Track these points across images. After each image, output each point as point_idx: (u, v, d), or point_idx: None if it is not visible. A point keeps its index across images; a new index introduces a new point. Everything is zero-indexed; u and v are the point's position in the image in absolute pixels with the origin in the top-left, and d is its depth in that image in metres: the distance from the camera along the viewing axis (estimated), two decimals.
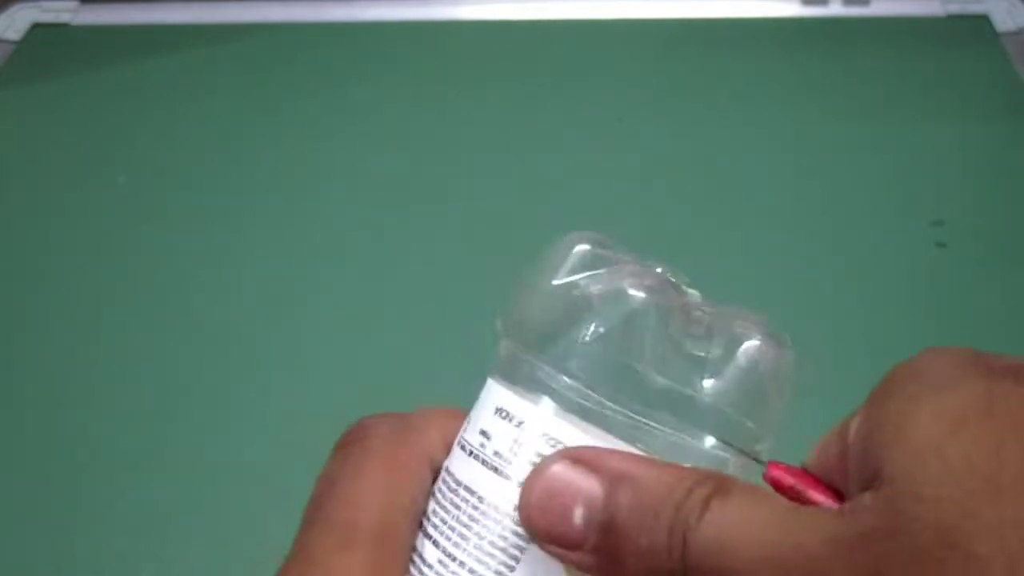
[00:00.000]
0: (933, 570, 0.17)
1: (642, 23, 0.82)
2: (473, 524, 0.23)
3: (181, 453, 0.53)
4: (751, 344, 0.24)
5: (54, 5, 0.87)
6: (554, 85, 0.77)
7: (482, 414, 0.24)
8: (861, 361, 0.56)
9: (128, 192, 0.69)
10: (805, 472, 0.23)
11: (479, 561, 0.23)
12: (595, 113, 0.74)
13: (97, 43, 0.84)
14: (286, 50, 0.82)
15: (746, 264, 0.62)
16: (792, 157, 0.69)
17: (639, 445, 0.23)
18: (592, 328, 0.24)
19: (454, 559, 0.23)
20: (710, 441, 0.23)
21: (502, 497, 0.23)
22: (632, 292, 0.24)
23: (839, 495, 0.22)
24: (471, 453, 0.24)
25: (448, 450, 0.25)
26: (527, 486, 0.22)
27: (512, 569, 0.23)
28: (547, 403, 0.23)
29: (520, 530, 0.23)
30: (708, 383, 0.24)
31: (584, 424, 0.23)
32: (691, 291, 0.26)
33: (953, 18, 0.81)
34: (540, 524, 0.22)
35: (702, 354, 0.24)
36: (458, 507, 0.24)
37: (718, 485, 0.20)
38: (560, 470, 0.22)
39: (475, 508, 0.23)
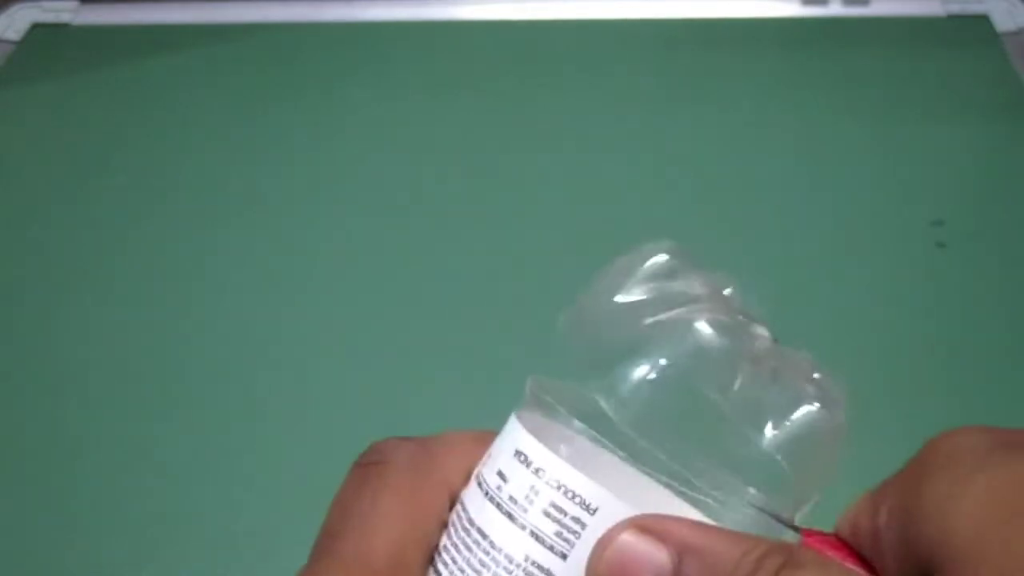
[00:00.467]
0: None
1: (642, 23, 0.82)
2: (483, 570, 0.22)
3: (182, 454, 0.53)
4: (814, 407, 0.23)
5: (54, 5, 0.87)
6: (554, 85, 0.77)
7: (502, 453, 0.24)
8: (861, 361, 0.56)
9: (128, 192, 0.69)
10: (842, 542, 0.23)
11: None
12: (595, 113, 0.74)
13: (97, 43, 0.84)
14: (286, 50, 0.82)
15: (746, 264, 0.61)
16: (792, 157, 0.69)
17: (670, 495, 0.22)
18: (652, 361, 0.22)
19: None
20: (747, 502, 0.23)
21: (515, 547, 0.22)
22: (708, 330, 0.23)
23: (874, 568, 0.22)
24: (487, 493, 0.23)
25: (468, 478, 0.25)
26: (595, 556, 0.22)
27: None
28: (566, 451, 0.23)
29: None
30: (764, 436, 0.23)
31: (607, 469, 0.22)
32: (760, 329, 0.25)
33: (953, 18, 0.81)
34: None
35: (763, 407, 0.23)
36: (470, 549, 0.23)
37: (789, 557, 0.20)
38: (628, 540, 0.21)
39: (486, 553, 0.23)
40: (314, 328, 0.59)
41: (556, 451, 0.23)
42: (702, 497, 0.22)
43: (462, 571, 0.23)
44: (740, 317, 0.24)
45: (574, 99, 0.75)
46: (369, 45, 0.82)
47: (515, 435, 0.24)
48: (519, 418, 0.24)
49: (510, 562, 0.22)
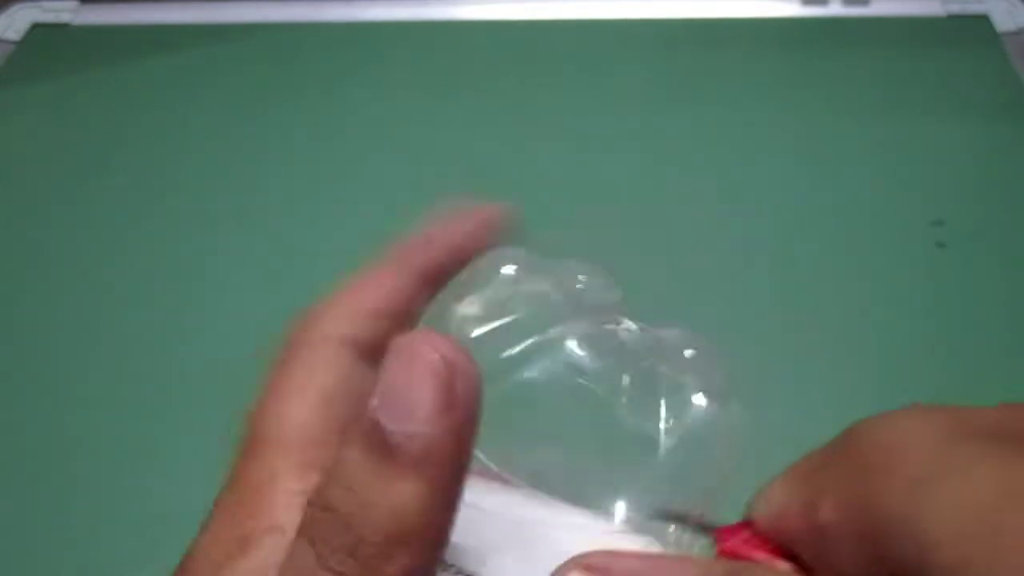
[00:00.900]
0: None
1: (642, 23, 0.82)
2: None
3: (182, 453, 0.53)
4: (701, 401, 0.23)
5: (54, 5, 0.87)
6: (554, 85, 0.77)
7: None
8: (861, 361, 0.56)
9: (128, 192, 0.69)
10: (761, 537, 0.22)
11: None
12: (595, 113, 0.74)
13: (97, 43, 0.84)
14: (286, 50, 0.82)
15: (745, 264, 0.62)
16: (792, 157, 0.69)
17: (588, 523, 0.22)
18: (512, 385, 0.22)
19: None
20: (654, 512, 0.22)
21: None
22: (577, 353, 0.22)
23: (797, 561, 0.21)
24: None
25: (362, 319, 0.25)
26: None
27: None
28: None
29: None
30: (659, 443, 0.22)
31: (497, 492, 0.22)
32: (624, 322, 0.24)
33: (953, 18, 0.81)
34: None
35: (650, 414, 0.22)
36: None
37: None
38: None
39: None
40: None
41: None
42: (615, 523, 0.22)
43: None
44: (601, 321, 0.23)
45: (574, 99, 0.75)
46: (369, 45, 0.82)
47: None
48: None
49: None
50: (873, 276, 0.60)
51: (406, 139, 0.72)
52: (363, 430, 0.20)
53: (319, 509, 0.20)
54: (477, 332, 0.24)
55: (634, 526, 0.22)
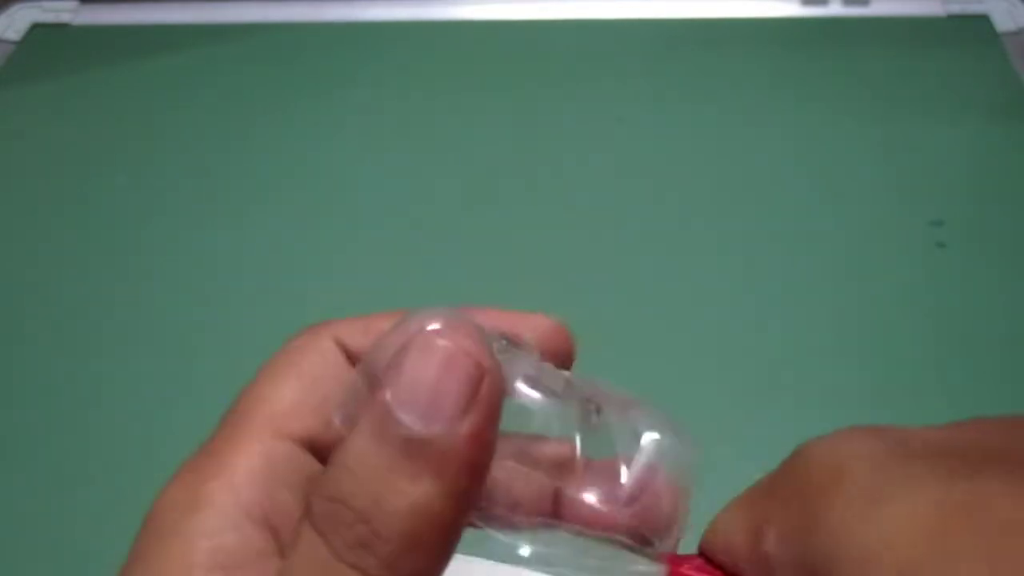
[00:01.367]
0: None
1: (642, 23, 0.82)
2: None
3: (182, 454, 0.53)
4: (655, 440, 0.22)
5: (54, 5, 0.87)
6: (554, 85, 0.77)
7: None
8: (861, 361, 0.56)
9: (128, 192, 0.69)
10: (713, 568, 0.22)
11: None
12: (595, 113, 0.74)
13: (97, 43, 0.84)
14: (286, 50, 0.82)
15: (745, 264, 0.62)
16: (792, 157, 0.69)
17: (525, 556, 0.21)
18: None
19: None
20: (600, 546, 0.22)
21: None
22: (521, 390, 0.22)
23: None
24: None
25: (364, 334, 0.25)
26: None
27: None
28: None
29: None
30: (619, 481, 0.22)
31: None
32: (561, 374, 0.23)
33: (953, 18, 0.81)
34: None
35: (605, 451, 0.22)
36: None
37: None
38: None
39: None
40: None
41: None
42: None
43: None
44: (539, 378, 0.22)
45: (574, 99, 0.75)
46: (369, 45, 0.82)
47: None
48: None
49: None
50: (873, 276, 0.60)
51: (406, 139, 0.73)
52: (375, 420, 0.19)
53: (327, 499, 0.19)
54: None
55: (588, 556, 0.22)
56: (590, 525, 0.22)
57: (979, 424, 0.20)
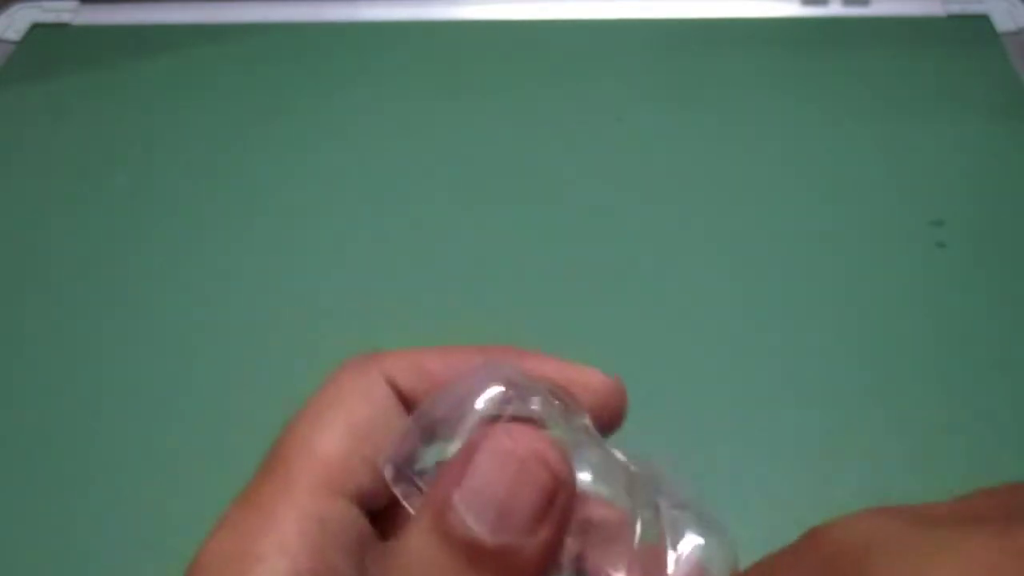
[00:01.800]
0: None
1: (642, 23, 0.82)
2: None
3: (183, 453, 0.53)
4: (698, 546, 0.22)
5: (54, 5, 0.87)
6: (554, 85, 0.77)
7: None
8: (861, 361, 0.56)
9: (128, 192, 0.69)
10: None
11: None
12: (595, 113, 0.74)
13: (97, 43, 0.84)
14: (286, 50, 0.82)
15: (745, 264, 0.62)
16: (792, 157, 0.69)
17: None
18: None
19: None
20: None
21: None
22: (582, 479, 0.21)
23: None
24: None
25: (415, 373, 0.24)
26: None
27: None
28: None
29: None
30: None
31: None
32: (618, 453, 0.23)
33: (953, 18, 0.81)
34: None
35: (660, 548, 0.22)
36: None
37: None
38: None
39: None
40: (316, 330, 0.59)
41: None
42: None
43: None
44: (603, 469, 0.22)
45: (574, 99, 0.75)
46: (369, 45, 0.82)
47: None
48: None
49: None
50: (873, 276, 0.60)
51: (406, 138, 0.73)
52: (441, 519, 0.18)
53: None
54: None
55: None
56: None
57: (984, 492, 0.20)
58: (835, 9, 0.82)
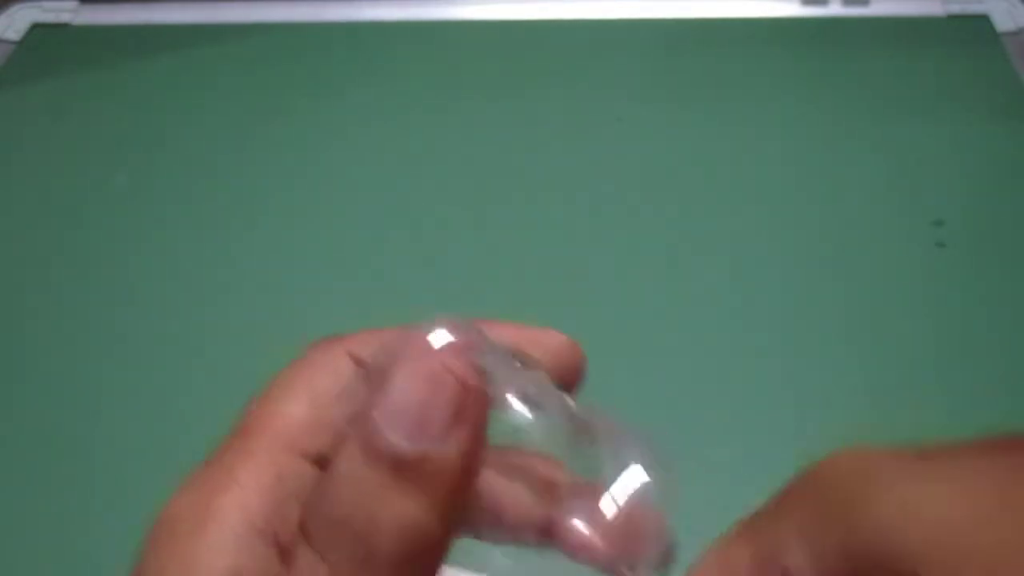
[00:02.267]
0: None
1: (642, 23, 0.82)
2: None
3: (183, 453, 0.53)
4: (641, 469, 0.22)
5: (54, 5, 0.87)
6: (554, 85, 0.77)
7: None
8: (861, 361, 0.56)
9: (128, 192, 0.69)
10: None
11: None
12: (595, 113, 0.74)
13: (97, 43, 0.84)
14: (286, 50, 0.82)
15: (745, 264, 0.62)
16: (792, 157, 0.69)
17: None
18: None
19: None
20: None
21: None
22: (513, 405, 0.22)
23: None
24: None
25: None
26: None
27: None
28: None
29: None
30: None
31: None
32: (565, 399, 0.23)
33: (953, 18, 0.81)
34: None
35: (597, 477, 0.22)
36: None
37: None
38: None
39: None
40: (316, 331, 0.59)
41: None
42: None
43: None
44: (535, 396, 0.22)
45: (574, 99, 0.75)
46: (369, 45, 0.82)
47: None
48: None
49: None
50: (873, 276, 0.60)
51: (406, 138, 0.73)
52: (365, 438, 0.19)
53: (323, 518, 0.20)
54: None
55: None
56: (574, 549, 0.22)
57: (973, 440, 0.20)
58: (835, 9, 0.82)
